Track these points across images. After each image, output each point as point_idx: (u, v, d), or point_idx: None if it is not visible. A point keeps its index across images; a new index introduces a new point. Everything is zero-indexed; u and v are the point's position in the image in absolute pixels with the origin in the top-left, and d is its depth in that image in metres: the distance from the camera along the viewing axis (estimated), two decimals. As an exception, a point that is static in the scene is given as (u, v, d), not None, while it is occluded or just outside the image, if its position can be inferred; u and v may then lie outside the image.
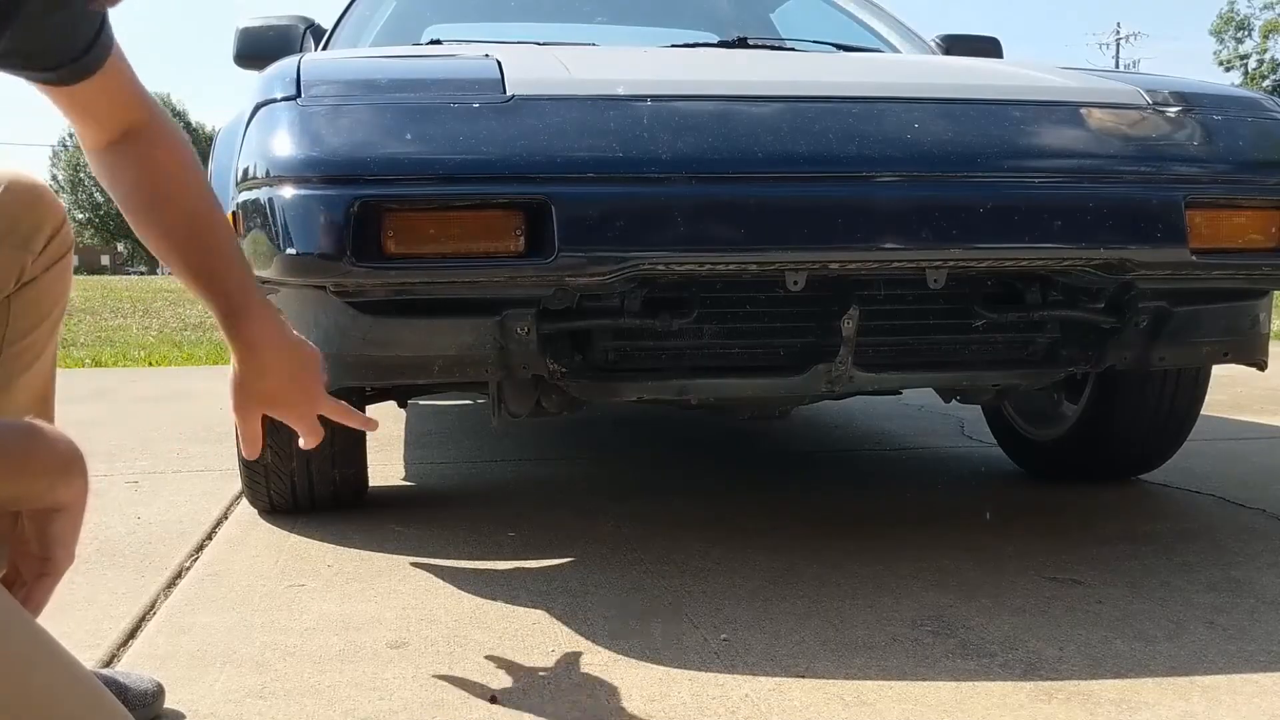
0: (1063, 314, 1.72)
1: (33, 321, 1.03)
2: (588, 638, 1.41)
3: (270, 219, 1.43)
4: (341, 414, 1.18)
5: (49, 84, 0.94)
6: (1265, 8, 36.67)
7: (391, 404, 2.37)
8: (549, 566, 1.75)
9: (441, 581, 1.67)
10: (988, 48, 2.76)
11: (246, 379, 1.10)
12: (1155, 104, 1.65)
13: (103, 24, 0.91)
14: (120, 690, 1.13)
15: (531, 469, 2.66)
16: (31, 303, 1.03)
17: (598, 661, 1.33)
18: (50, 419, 1.06)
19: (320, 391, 1.15)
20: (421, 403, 3.58)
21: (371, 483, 2.22)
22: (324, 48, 2.55)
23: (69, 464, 0.71)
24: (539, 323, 1.56)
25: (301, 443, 1.19)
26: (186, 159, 1.08)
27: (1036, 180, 1.52)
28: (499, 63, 1.59)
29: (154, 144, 1.06)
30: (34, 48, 0.86)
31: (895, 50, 2.63)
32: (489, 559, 1.80)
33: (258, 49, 2.48)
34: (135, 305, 11.17)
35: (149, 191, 1.06)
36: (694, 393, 1.71)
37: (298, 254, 1.40)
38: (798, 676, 1.27)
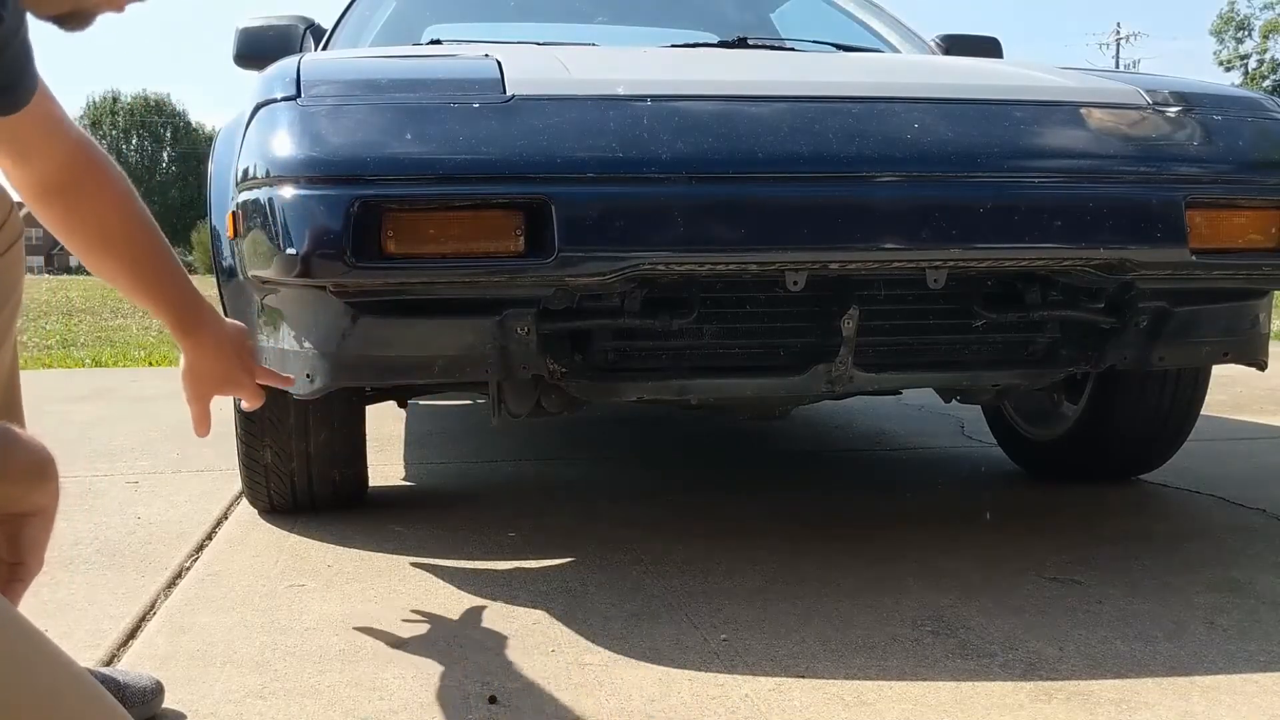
0: (1063, 314, 1.72)
1: None
2: (588, 638, 1.41)
3: (270, 219, 1.43)
4: (271, 378, 1.37)
5: None
6: (1265, 8, 36.68)
7: (391, 404, 2.37)
8: (549, 566, 1.75)
9: (441, 581, 1.67)
10: (988, 48, 2.76)
11: (201, 370, 1.25)
12: (1155, 104, 1.65)
13: (30, 55, 0.91)
14: (118, 688, 1.13)
15: (531, 469, 2.66)
16: None
17: (598, 661, 1.33)
18: (18, 412, 1.05)
19: (254, 363, 1.32)
20: (421, 403, 3.58)
21: (371, 483, 2.22)
22: (324, 48, 2.55)
23: (43, 468, 0.70)
24: (539, 323, 1.56)
25: (245, 405, 1.38)
26: (131, 194, 1.14)
27: (1036, 180, 1.52)
28: (499, 63, 1.59)
29: (100, 186, 1.11)
30: None
31: (895, 50, 2.63)
32: (489, 559, 1.80)
33: (258, 49, 2.48)
34: (135, 305, 11.16)
35: (106, 232, 1.13)
36: (694, 393, 1.71)
37: (298, 254, 1.40)
38: (798, 677, 1.27)
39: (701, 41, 2.47)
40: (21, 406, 1.07)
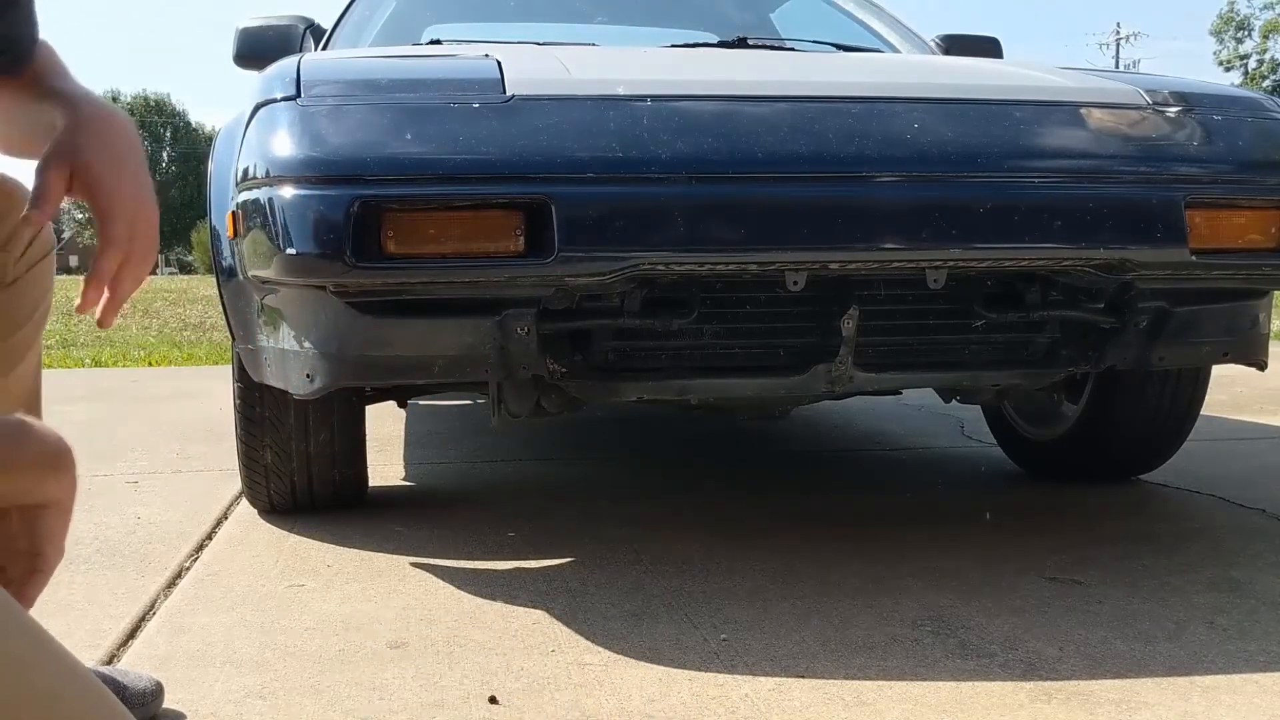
0: (1062, 314, 1.72)
1: (17, 321, 1.03)
2: (588, 638, 1.41)
3: (270, 219, 1.43)
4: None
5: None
6: (1265, 8, 36.64)
7: (391, 404, 2.37)
8: (549, 566, 1.75)
9: (441, 581, 1.67)
10: (988, 48, 2.76)
11: (67, 131, 0.90)
12: (1155, 104, 1.65)
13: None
14: (119, 689, 1.13)
15: (531, 469, 2.66)
16: (14, 303, 1.03)
17: (598, 661, 1.33)
18: (38, 417, 1.06)
19: (149, 189, 0.94)
20: (421, 403, 3.58)
21: (371, 483, 2.22)
22: (324, 48, 2.55)
23: (58, 458, 0.70)
24: (539, 323, 1.56)
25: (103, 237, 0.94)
26: None
27: (1036, 180, 1.52)
28: (499, 63, 1.59)
29: None
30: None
31: (895, 50, 2.63)
32: (489, 559, 1.80)
33: (258, 49, 2.48)
34: (135, 305, 11.16)
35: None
36: (694, 393, 1.71)
37: (298, 254, 1.40)
38: (798, 676, 1.27)
39: (701, 41, 2.47)
40: (41, 403, 1.09)
